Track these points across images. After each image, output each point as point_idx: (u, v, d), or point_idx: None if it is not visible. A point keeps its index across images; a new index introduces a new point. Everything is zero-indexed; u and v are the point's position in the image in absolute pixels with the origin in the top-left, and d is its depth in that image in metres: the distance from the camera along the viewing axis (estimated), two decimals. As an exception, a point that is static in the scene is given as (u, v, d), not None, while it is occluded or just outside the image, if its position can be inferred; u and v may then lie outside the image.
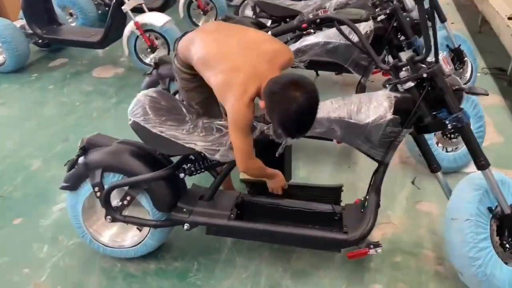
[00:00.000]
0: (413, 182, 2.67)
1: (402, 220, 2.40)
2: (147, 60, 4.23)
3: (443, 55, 1.76)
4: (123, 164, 1.99)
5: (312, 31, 1.94)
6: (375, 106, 1.75)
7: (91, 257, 2.23)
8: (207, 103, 2.09)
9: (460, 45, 3.40)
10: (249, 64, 1.74)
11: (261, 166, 1.91)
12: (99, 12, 5.26)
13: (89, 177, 2.02)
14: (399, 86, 1.80)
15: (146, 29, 4.04)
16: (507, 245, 1.87)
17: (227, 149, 1.87)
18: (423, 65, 1.76)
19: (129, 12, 4.00)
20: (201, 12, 5.20)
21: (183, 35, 2.04)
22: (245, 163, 1.83)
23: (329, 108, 1.82)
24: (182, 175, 2.01)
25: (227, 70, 1.75)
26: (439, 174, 1.96)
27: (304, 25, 1.88)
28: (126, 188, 2.02)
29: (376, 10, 2.59)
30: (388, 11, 2.50)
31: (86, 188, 2.06)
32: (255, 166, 1.89)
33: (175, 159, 2.03)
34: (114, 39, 4.37)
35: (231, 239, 2.29)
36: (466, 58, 3.45)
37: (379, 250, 1.89)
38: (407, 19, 2.55)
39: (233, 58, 1.78)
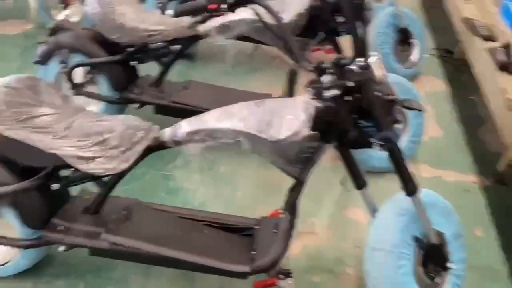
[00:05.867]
0: (342, 183, 2.42)
1: (326, 229, 2.16)
2: (59, 18, 3.63)
3: (376, 56, 1.43)
4: (-22, 171, 1.57)
5: (225, 12, 1.55)
6: (290, 118, 1.41)
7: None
8: None
9: (408, 24, 3.10)
10: None
11: None
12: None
13: None
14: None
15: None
16: (431, 275, 1.66)
17: (108, 158, 1.49)
18: (353, 68, 1.43)
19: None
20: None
21: None
22: None
23: (236, 116, 1.47)
24: (55, 185, 1.62)
25: None
26: (365, 190, 1.70)
27: (213, 6, 1.49)
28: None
29: (312, -16, 2.21)
30: (325, -14, 2.14)
31: None
32: None
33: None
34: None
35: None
36: (413, 40, 3.18)
37: (289, 281, 1.62)
38: (348, -3, 2.19)
39: None
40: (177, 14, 1.54)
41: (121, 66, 2.45)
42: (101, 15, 2.24)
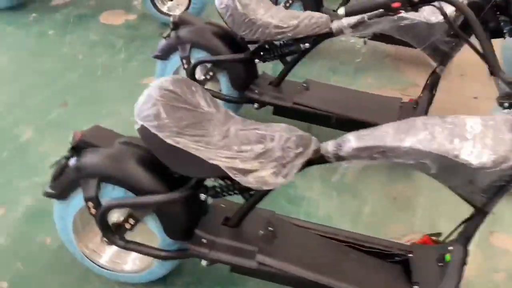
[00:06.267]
0: (484, 203, 2.15)
1: (473, 257, 1.90)
2: (164, 9, 3.59)
3: None
4: (127, 176, 1.49)
5: (403, 12, 1.34)
6: (497, 141, 1.19)
7: (85, 273, 1.79)
8: None
9: None
10: None
11: None
12: None
13: (82, 188, 1.53)
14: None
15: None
16: None
17: (267, 172, 1.35)
18: None
19: None
20: None
21: None
22: None
23: (420, 134, 1.27)
24: (203, 196, 1.51)
25: None
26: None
27: (397, 4, 1.29)
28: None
29: (474, -22, 1.93)
30: (490, -20, 1.86)
31: (79, 199, 1.57)
32: None
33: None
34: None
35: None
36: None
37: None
38: (517, -6, 1.89)
39: None
40: (349, 13, 1.35)
41: (243, 64, 2.32)
42: (231, 9, 2.11)
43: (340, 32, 2.13)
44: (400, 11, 1.34)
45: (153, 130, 1.32)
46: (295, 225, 1.69)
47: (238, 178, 1.34)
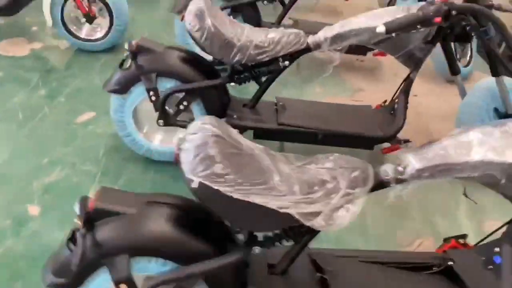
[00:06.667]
0: (465, 195, 2.30)
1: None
2: (82, 34, 3.17)
3: None
4: (167, 245, 1.22)
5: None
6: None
7: None
8: None
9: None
10: None
11: None
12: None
13: (108, 268, 1.21)
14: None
15: (80, -9, 2.99)
16: None
17: (336, 210, 1.23)
18: None
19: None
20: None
21: None
22: None
23: (488, 145, 1.27)
24: (257, 249, 1.32)
25: None
26: None
27: (438, 19, 1.27)
28: None
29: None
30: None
31: (100, 282, 1.25)
32: None
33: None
34: (25, 3, 3.21)
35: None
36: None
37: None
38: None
39: None
40: (390, 31, 1.30)
41: (217, 89, 2.13)
42: (207, 31, 1.91)
43: (318, 46, 2.08)
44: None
45: (215, 187, 1.10)
46: (337, 256, 1.58)
47: (310, 223, 1.20)
